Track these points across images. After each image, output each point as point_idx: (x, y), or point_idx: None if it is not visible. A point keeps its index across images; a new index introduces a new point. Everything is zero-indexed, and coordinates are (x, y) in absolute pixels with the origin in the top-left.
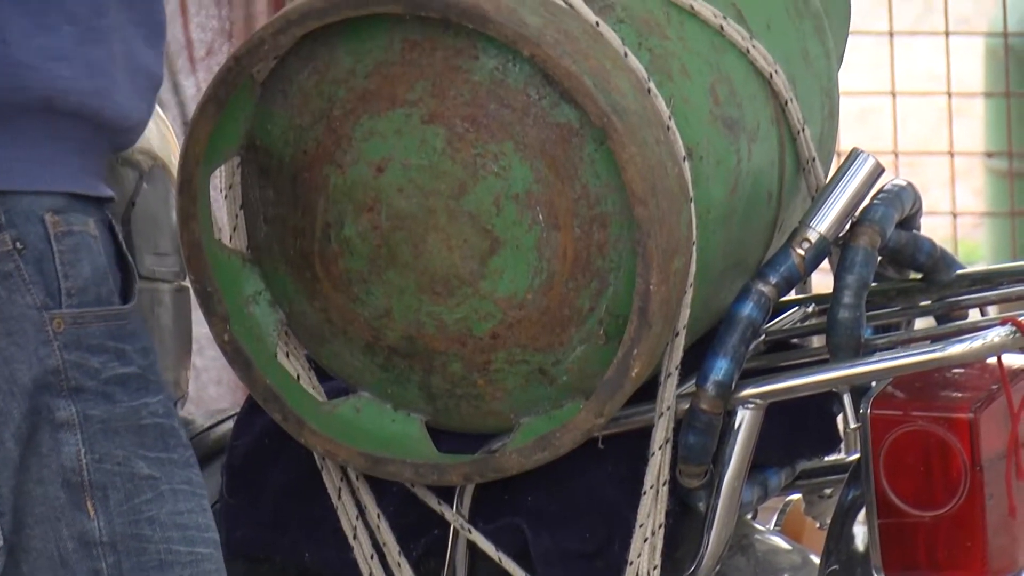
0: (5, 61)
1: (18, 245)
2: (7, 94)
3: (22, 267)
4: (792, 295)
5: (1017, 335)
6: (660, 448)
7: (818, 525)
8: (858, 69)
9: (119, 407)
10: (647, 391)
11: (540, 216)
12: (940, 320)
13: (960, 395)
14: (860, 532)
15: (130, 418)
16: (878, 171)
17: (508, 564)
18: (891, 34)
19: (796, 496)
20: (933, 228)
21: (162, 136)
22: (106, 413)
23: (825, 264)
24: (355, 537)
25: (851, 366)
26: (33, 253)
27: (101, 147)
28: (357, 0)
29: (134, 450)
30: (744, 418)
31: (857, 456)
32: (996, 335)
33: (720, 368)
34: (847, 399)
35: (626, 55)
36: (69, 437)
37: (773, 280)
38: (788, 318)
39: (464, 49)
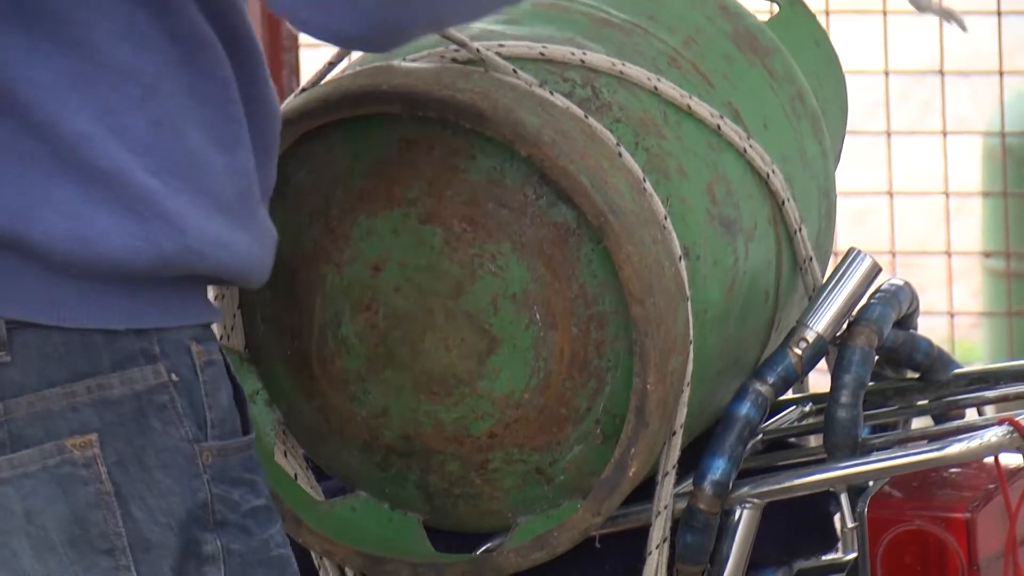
0: (183, 249)
1: (173, 377)
2: (177, 273)
3: (176, 399)
4: (789, 394)
5: (1014, 435)
6: (657, 547)
7: None
8: (855, 169)
9: (254, 540)
10: (644, 490)
11: (537, 315)
12: (937, 420)
13: (957, 495)
14: None
15: (261, 551)
16: (875, 271)
17: None
18: (888, 134)
19: None
20: (930, 328)
21: None
22: (244, 547)
23: (822, 363)
24: None
25: (848, 466)
26: (185, 384)
27: None
28: (354, 100)
29: None
30: (742, 517)
31: (855, 555)
32: (993, 435)
33: (718, 468)
34: (844, 498)
35: (620, 155)
36: (214, 571)
37: (770, 380)
38: (785, 417)
39: (462, 148)
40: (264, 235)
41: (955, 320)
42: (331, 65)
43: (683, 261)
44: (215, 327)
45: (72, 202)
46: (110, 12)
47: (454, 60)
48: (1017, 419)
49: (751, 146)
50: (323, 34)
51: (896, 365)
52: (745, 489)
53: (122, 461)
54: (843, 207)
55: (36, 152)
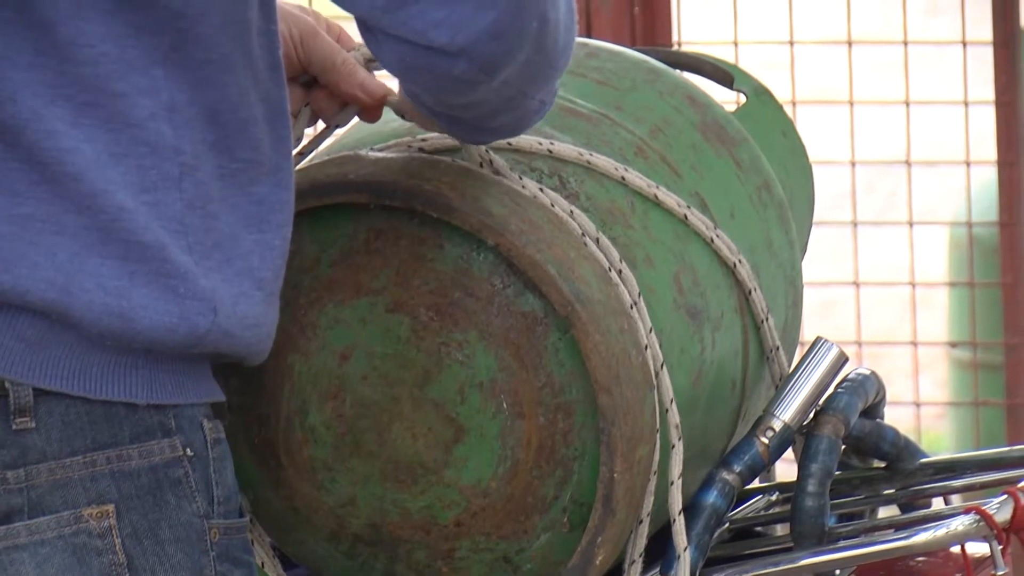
0: (214, 328)
1: (188, 451)
2: (205, 351)
3: (190, 473)
4: (756, 483)
5: (981, 524)
6: None
7: None
8: (822, 259)
9: None
10: None
11: (504, 404)
12: (904, 508)
13: None
14: None
15: None
16: (842, 360)
17: None
18: (855, 224)
19: None
20: (897, 418)
21: None
22: None
23: (789, 452)
24: None
25: (815, 554)
26: (199, 460)
27: None
28: (322, 189)
29: None
30: None
31: None
32: (960, 524)
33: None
34: None
35: (585, 244)
36: None
37: (737, 468)
38: (752, 506)
39: (429, 238)
40: (276, 319)
41: (921, 410)
42: (301, 155)
43: (648, 350)
44: None
45: (112, 276)
46: (151, 90)
47: (421, 150)
48: (984, 508)
49: (718, 236)
50: (458, 34)
51: (863, 454)
52: None
53: (136, 533)
54: (810, 297)
55: (77, 224)
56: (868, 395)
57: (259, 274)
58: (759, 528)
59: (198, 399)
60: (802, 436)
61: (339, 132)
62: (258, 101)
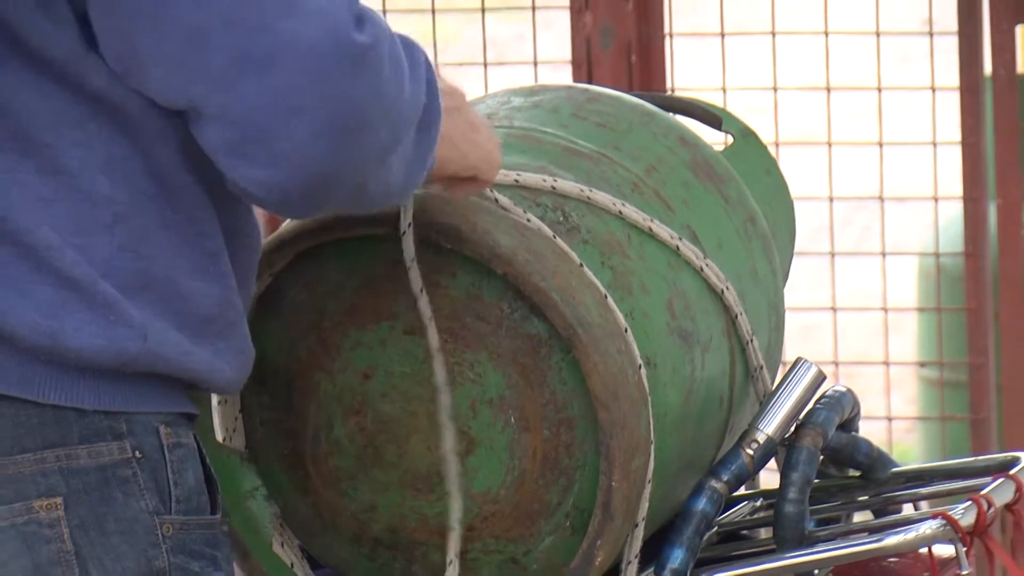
0: (145, 351)
1: (137, 454)
2: (141, 370)
3: (139, 474)
4: (742, 490)
5: (947, 528)
6: None
7: None
8: (802, 287)
9: None
10: None
11: (512, 419)
12: (877, 514)
13: None
14: None
15: None
16: (820, 379)
17: None
18: (832, 255)
19: None
20: (870, 431)
21: None
22: None
23: (772, 463)
24: None
25: (796, 556)
26: (149, 462)
27: None
28: (346, 222)
29: None
30: None
31: None
32: (928, 528)
33: (676, 557)
34: None
35: (584, 272)
36: None
37: (725, 477)
38: (738, 511)
39: (443, 266)
40: (234, 353)
41: (892, 424)
42: None
43: (643, 369)
44: (218, 429)
45: (47, 301)
46: (87, 143)
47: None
48: (950, 514)
49: (707, 265)
50: (250, 184)
51: (839, 464)
52: None
53: (83, 525)
54: (791, 321)
55: (12, 255)
56: (844, 410)
57: (193, 316)
58: (745, 531)
59: (153, 409)
60: (784, 448)
61: None
62: (202, 168)
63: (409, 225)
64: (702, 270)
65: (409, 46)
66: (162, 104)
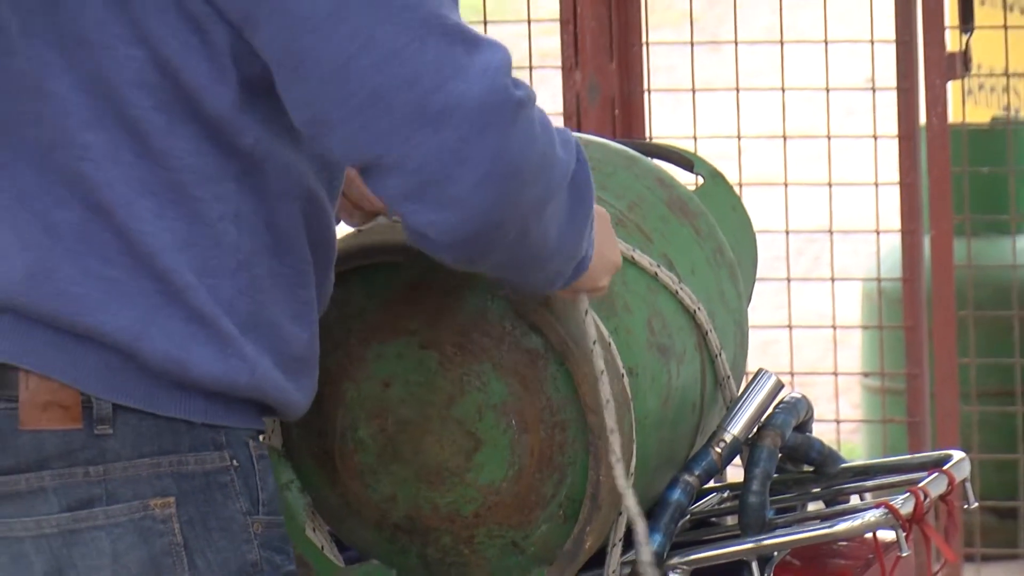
0: (250, 383)
1: (234, 462)
2: (242, 397)
3: (235, 480)
4: (712, 483)
5: (888, 516)
6: None
7: None
8: (762, 308)
9: None
10: (597, 558)
11: (513, 422)
12: (828, 504)
13: (844, 563)
14: None
15: None
16: (779, 387)
17: None
18: (788, 280)
19: None
20: (821, 432)
21: None
22: None
23: (738, 459)
24: None
25: (758, 540)
26: (243, 470)
27: None
28: (367, 252)
29: None
30: None
31: None
32: (872, 516)
33: (655, 541)
34: (755, 566)
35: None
36: None
37: (696, 472)
38: (708, 501)
39: (453, 289)
40: (311, 388)
41: (841, 426)
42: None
43: (625, 379)
44: None
45: (177, 333)
46: (226, 197)
47: None
48: (891, 503)
49: (682, 288)
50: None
51: (795, 461)
52: (676, 559)
53: (191, 521)
54: (753, 337)
55: (151, 288)
56: (800, 414)
57: (288, 356)
58: (714, 519)
59: (244, 426)
60: (747, 446)
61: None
62: (309, 228)
63: (602, 372)
64: (677, 293)
65: (562, 129)
66: (344, 162)
